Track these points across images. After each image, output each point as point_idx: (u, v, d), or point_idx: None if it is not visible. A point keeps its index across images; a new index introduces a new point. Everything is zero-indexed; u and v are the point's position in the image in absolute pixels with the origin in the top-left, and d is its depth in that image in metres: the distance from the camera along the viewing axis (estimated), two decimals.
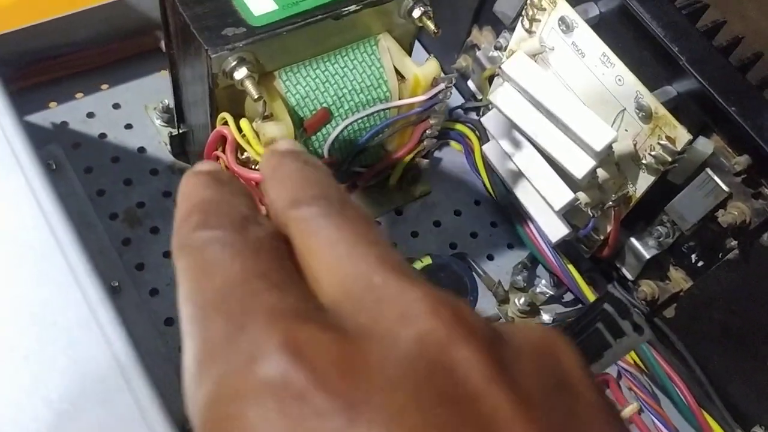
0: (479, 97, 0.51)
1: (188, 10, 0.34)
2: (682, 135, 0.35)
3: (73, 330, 0.23)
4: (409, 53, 0.42)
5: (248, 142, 0.35)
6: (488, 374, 0.12)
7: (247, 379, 0.13)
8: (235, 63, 0.33)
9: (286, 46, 0.35)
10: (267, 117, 0.36)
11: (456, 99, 0.55)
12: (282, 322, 0.13)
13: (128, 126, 0.48)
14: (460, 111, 0.53)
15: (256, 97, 0.33)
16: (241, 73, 0.33)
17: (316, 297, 0.15)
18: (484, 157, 0.48)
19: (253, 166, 0.37)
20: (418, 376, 0.12)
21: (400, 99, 0.40)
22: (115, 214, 0.45)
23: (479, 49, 0.50)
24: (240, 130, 0.36)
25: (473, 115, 0.52)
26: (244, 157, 0.37)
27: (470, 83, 0.51)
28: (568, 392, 0.14)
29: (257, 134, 0.35)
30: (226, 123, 0.36)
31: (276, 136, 0.35)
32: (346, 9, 0.36)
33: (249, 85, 0.33)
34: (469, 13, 0.50)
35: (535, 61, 0.42)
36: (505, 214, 0.49)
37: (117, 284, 0.42)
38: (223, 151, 0.37)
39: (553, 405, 0.13)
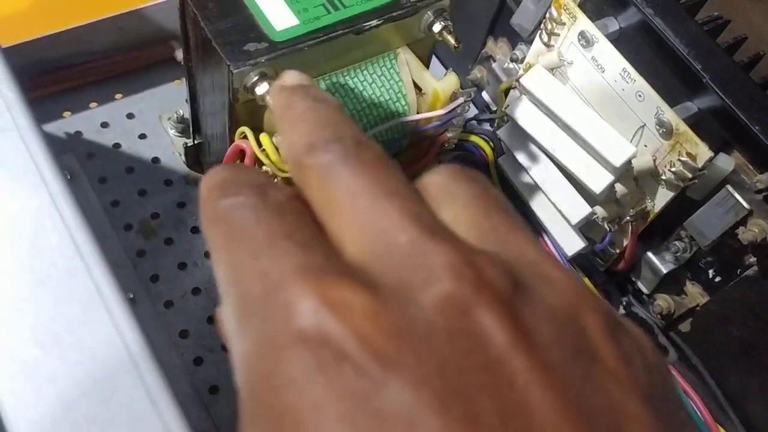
0: (493, 108, 0.51)
1: (210, 24, 0.34)
2: (703, 152, 0.35)
3: (98, 350, 0.23)
4: (427, 66, 0.42)
5: (267, 156, 0.35)
6: (509, 340, 0.13)
7: (285, 334, 0.13)
8: (256, 78, 0.33)
9: (307, 61, 0.35)
10: None
11: (470, 110, 0.55)
12: (313, 279, 0.13)
13: (142, 136, 0.48)
14: (474, 122, 0.53)
15: None
16: (262, 88, 0.33)
17: (341, 254, 0.15)
18: (499, 170, 0.48)
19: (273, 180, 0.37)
20: (442, 340, 0.13)
21: (418, 113, 0.40)
22: (130, 225, 0.45)
23: (494, 61, 0.50)
24: (260, 144, 0.35)
25: (487, 126, 0.52)
26: (263, 171, 0.37)
27: (485, 94, 0.51)
28: (589, 358, 0.14)
29: (277, 149, 0.35)
30: (244, 137, 0.36)
31: None
32: (367, 24, 0.35)
33: (270, 101, 0.33)
34: (484, 25, 0.50)
35: (553, 74, 0.42)
36: None
37: (132, 296, 0.41)
38: None
39: (571, 370, 0.13)
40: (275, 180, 0.37)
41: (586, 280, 0.45)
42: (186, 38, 0.37)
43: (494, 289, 0.13)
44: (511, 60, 0.47)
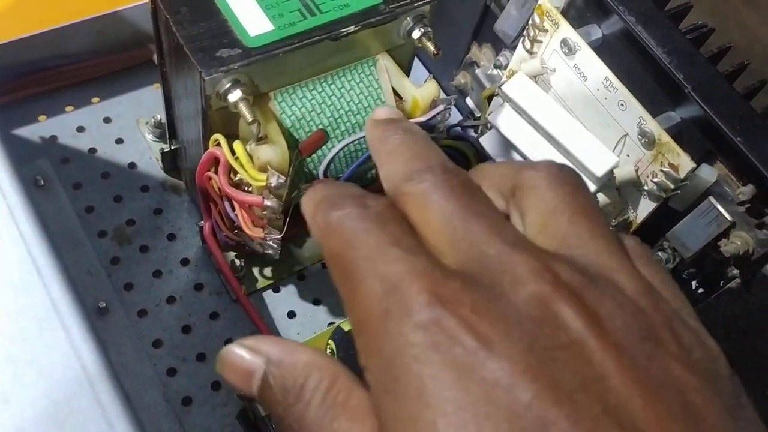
0: (477, 114, 0.50)
1: (182, 29, 0.33)
2: (686, 163, 0.35)
3: (53, 370, 0.22)
4: (408, 72, 0.41)
5: (242, 165, 0.34)
6: (583, 325, 0.16)
7: (407, 325, 0.16)
8: (229, 85, 0.33)
9: (283, 68, 0.34)
10: (261, 139, 0.35)
11: (453, 116, 0.54)
12: (425, 279, 0.16)
13: (119, 141, 0.47)
14: (457, 128, 0.52)
15: (250, 120, 0.32)
16: (235, 95, 0.32)
17: (440, 260, 0.18)
18: None
19: (246, 188, 0.37)
20: (530, 326, 0.16)
21: None
22: (104, 231, 0.44)
23: (478, 67, 0.49)
24: (233, 152, 0.35)
25: (471, 133, 0.51)
26: (237, 178, 0.36)
27: (468, 100, 0.51)
28: (654, 344, 0.16)
29: (251, 157, 0.34)
30: (218, 144, 0.35)
31: (270, 159, 0.34)
32: (344, 30, 0.35)
33: (243, 108, 0.32)
34: (468, 30, 0.49)
35: (536, 82, 0.41)
36: None
37: (104, 305, 0.41)
38: (216, 172, 0.37)
39: (638, 351, 0.16)
40: (249, 188, 0.36)
41: None
42: (159, 42, 0.36)
43: (569, 287, 0.17)
44: (495, 66, 0.47)
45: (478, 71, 0.48)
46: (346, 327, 0.36)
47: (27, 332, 0.23)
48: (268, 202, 0.35)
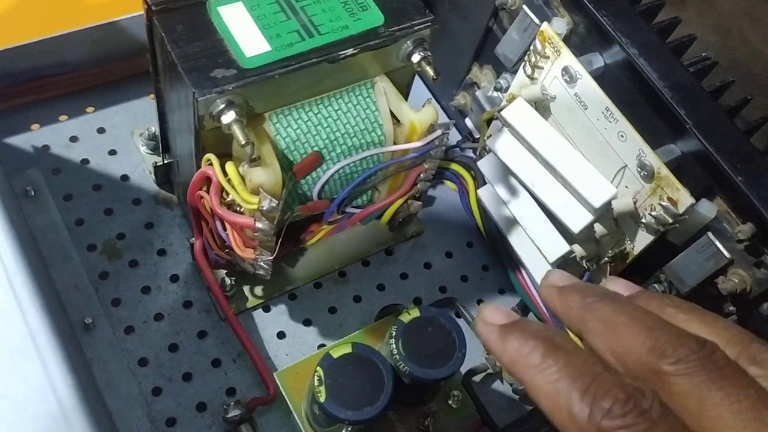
0: (477, 135, 0.50)
1: (177, 48, 0.32)
2: (685, 198, 0.34)
3: (27, 403, 0.22)
4: (406, 95, 0.40)
5: (233, 187, 0.34)
6: None
7: None
8: (223, 106, 0.32)
9: (278, 89, 0.34)
10: (254, 160, 0.34)
11: (453, 136, 0.53)
12: None
13: (112, 152, 0.46)
14: (456, 149, 0.52)
15: (243, 142, 0.32)
16: (228, 117, 0.32)
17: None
18: (478, 200, 0.46)
19: (238, 209, 0.36)
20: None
21: (395, 143, 0.39)
22: (94, 245, 0.43)
23: (479, 88, 0.49)
24: (225, 173, 0.34)
25: (470, 153, 0.50)
26: (229, 198, 0.36)
27: (468, 121, 0.50)
28: None
29: (243, 179, 0.34)
30: (211, 163, 0.35)
31: (263, 182, 0.33)
32: (342, 53, 0.34)
33: (236, 130, 0.32)
34: (470, 50, 0.48)
35: (536, 108, 0.41)
36: (498, 257, 0.48)
37: (90, 321, 0.40)
38: (207, 191, 0.36)
39: None
40: (241, 209, 0.35)
41: None
42: (154, 59, 0.36)
43: None
44: (495, 89, 0.46)
45: (478, 93, 0.48)
46: (335, 353, 0.35)
47: (1, 364, 0.22)
48: (259, 225, 0.35)
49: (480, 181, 0.47)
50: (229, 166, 0.34)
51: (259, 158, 0.34)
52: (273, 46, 0.33)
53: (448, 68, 0.52)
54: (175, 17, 0.33)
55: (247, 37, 0.33)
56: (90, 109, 0.48)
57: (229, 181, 0.34)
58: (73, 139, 0.46)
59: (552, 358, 0.19)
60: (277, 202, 0.33)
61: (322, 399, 0.34)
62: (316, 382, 0.34)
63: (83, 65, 0.46)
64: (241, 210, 0.36)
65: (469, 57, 0.49)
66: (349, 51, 0.34)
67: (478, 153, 0.48)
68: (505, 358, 0.20)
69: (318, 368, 0.35)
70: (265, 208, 0.33)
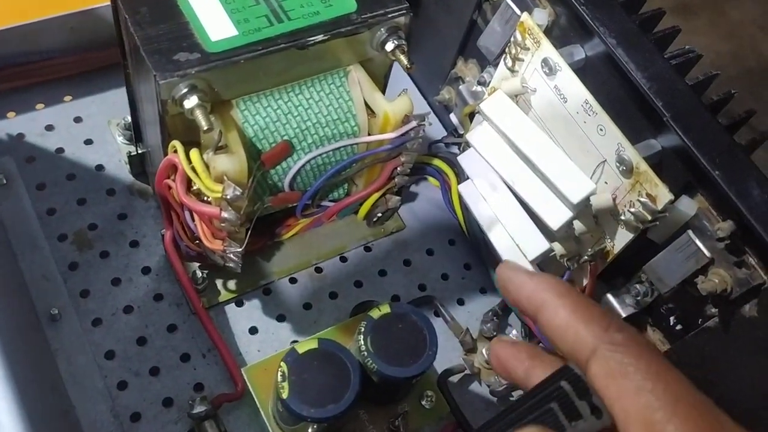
0: (461, 131, 0.49)
1: (140, 30, 0.31)
2: (664, 194, 0.33)
3: None
4: (384, 86, 0.39)
5: (197, 175, 0.33)
6: None
7: None
8: (186, 90, 0.31)
9: (245, 75, 0.33)
10: (220, 148, 0.33)
11: (438, 131, 0.52)
12: None
13: (88, 141, 0.46)
14: (441, 145, 0.51)
15: (205, 128, 0.31)
16: (191, 101, 0.31)
17: None
18: (459, 196, 0.45)
19: (205, 199, 0.35)
20: None
21: (369, 135, 0.38)
22: (65, 235, 0.42)
23: (463, 82, 0.48)
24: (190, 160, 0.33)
25: (455, 150, 0.49)
26: (196, 188, 0.35)
27: (453, 117, 0.49)
28: None
29: (207, 166, 0.33)
30: (176, 150, 0.34)
31: (227, 170, 0.33)
32: (312, 39, 0.33)
33: (199, 115, 0.31)
34: (454, 44, 0.47)
35: (517, 101, 0.40)
36: (480, 256, 0.46)
37: (57, 312, 0.39)
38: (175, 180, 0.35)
39: None
40: (207, 198, 0.35)
41: None
42: (121, 43, 0.35)
43: None
44: (479, 83, 0.45)
45: (462, 87, 0.47)
46: (301, 349, 0.34)
47: None
48: (225, 214, 0.34)
49: (462, 176, 0.46)
50: (193, 153, 0.33)
51: (226, 146, 0.33)
52: (240, 31, 0.33)
53: (433, 63, 0.51)
54: None
55: (214, 21, 0.32)
56: (67, 97, 0.47)
57: (193, 168, 0.33)
58: (49, 127, 0.46)
59: None
60: (241, 190, 0.32)
61: (284, 395, 0.33)
62: (280, 378, 0.33)
63: (61, 53, 0.46)
64: (209, 200, 0.35)
65: (454, 51, 0.48)
66: (319, 37, 0.33)
67: (461, 148, 0.47)
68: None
69: (282, 364, 0.34)
70: (229, 197, 0.32)
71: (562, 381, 0.26)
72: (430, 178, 0.49)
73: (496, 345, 0.27)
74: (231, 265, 0.38)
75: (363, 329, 0.35)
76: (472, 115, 0.45)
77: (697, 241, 0.34)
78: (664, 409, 0.22)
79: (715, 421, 0.22)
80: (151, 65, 0.31)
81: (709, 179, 0.31)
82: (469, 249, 0.47)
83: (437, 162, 0.48)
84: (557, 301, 0.24)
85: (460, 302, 0.46)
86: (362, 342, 0.35)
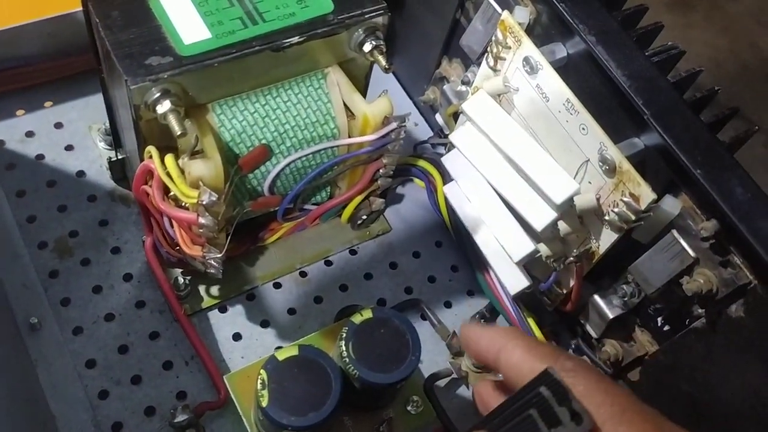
0: (447, 131, 0.48)
1: (111, 35, 0.31)
2: (647, 194, 0.32)
3: None
4: (365, 87, 0.39)
5: (172, 180, 0.32)
6: None
7: None
8: (158, 95, 0.31)
9: (220, 78, 0.32)
10: (196, 153, 0.33)
11: (424, 131, 0.52)
12: None
13: (69, 147, 0.45)
14: (427, 145, 0.50)
15: (178, 133, 0.30)
16: (164, 106, 0.31)
17: None
18: (445, 197, 0.45)
19: (183, 204, 0.35)
20: None
21: (350, 137, 0.37)
22: (45, 242, 0.42)
23: (448, 82, 0.47)
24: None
25: (442, 150, 0.49)
26: (173, 193, 0.34)
27: (438, 117, 0.49)
28: None
29: (182, 171, 0.32)
30: (151, 156, 0.33)
31: (202, 175, 0.32)
32: (287, 41, 0.33)
33: (172, 120, 0.30)
34: (438, 44, 0.47)
35: (500, 101, 0.39)
36: (467, 258, 0.46)
37: (36, 321, 0.39)
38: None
39: None
40: (185, 204, 0.34)
41: (532, 322, 0.42)
42: (95, 48, 0.34)
43: None
44: (462, 82, 0.45)
45: (446, 87, 0.46)
46: (281, 356, 0.34)
47: None
48: (203, 220, 0.33)
49: (448, 177, 0.46)
50: (168, 159, 0.32)
51: (202, 151, 0.33)
52: (214, 34, 0.32)
53: (418, 62, 0.50)
54: (112, 3, 0.32)
55: (187, 24, 0.32)
56: (48, 103, 0.47)
57: (168, 174, 0.33)
58: (29, 134, 0.45)
59: None
60: (217, 196, 0.32)
61: (264, 403, 0.32)
62: (259, 386, 0.33)
63: (40, 59, 0.45)
64: (186, 205, 0.34)
65: (438, 50, 0.47)
66: (295, 39, 0.33)
67: (447, 149, 0.46)
68: None
69: (261, 371, 0.33)
70: (205, 202, 0.32)
71: (542, 387, 0.26)
72: (416, 179, 0.48)
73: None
74: (212, 271, 0.38)
75: (344, 335, 0.35)
76: (456, 116, 0.45)
77: (682, 241, 0.33)
78: (612, 418, 0.24)
79: (658, 427, 0.25)
80: (122, 70, 0.30)
81: (691, 178, 0.31)
82: (456, 250, 0.47)
83: (422, 163, 0.47)
84: (512, 343, 0.28)
85: (447, 305, 0.45)
86: (344, 348, 0.35)
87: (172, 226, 0.36)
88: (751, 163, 0.36)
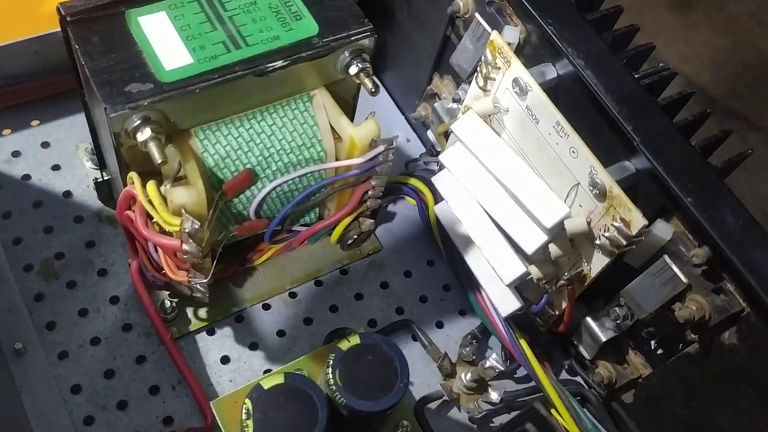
0: (438, 149, 0.48)
1: (91, 61, 0.30)
2: (637, 219, 0.32)
3: None
4: (353, 108, 0.38)
5: (154, 208, 0.32)
6: None
7: None
8: (139, 122, 0.30)
9: (202, 104, 0.32)
10: (179, 179, 0.32)
11: (417, 148, 0.51)
12: None
13: (56, 167, 0.45)
14: (419, 163, 0.49)
15: (159, 161, 0.30)
16: (144, 134, 0.30)
17: None
18: (436, 217, 0.44)
19: (168, 230, 0.34)
20: None
21: (337, 159, 0.37)
22: (30, 265, 0.41)
23: (439, 99, 0.47)
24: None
25: (434, 167, 0.48)
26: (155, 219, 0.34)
27: (430, 134, 0.48)
28: None
29: (165, 198, 0.32)
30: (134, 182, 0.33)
31: (185, 202, 0.31)
32: (270, 65, 0.32)
33: (153, 148, 0.30)
34: (429, 60, 0.46)
35: (490, 121, 0.38)
36: (458, 277, 0.45)
37: (21, 346, 0.38)
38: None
39: None
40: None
41: (524, 343, 0.42)
42: (76, 72, 0.34)
43: None
44: (454, 100, 0.44)
45: (437, 104, 0.46)
46: (266, 384, 0.33)
47: None
48: (186, 247, 0.33)
49: (439, 196, 0.45)
50: (150, 186, 0.32)
51: (185, 177, 0.32)
52: (196, 59, 0.32)
53: (410, 78, 0.50)
54: (91, 28, 0.31)
55: (168, 49, 0.31)
56: (35, 122, 0.46)
57: (149, 201, 0.32)
58: (16, 153, 0.45)
59: None
60: (200, 224, 0.31)
61: None
62: (244, 416, 0.32)
63: (27, 77, 0.45)
64: (169, 232, 0.34)
65: (429, 67, 0.47)
66: (278, 63, 0.32)
67: (438, 167, 0.46)
68: None
69: (246, 400, 0.33)
70: (187, 230, 0.31)
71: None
72: (407, 198, 0.48)
73: None
74: (198, 295, 0.37)
75: (331, 362, 0.34)
76: (447, 134, 0.44)
77: (674, 267, 0.33)
78: None
79: None
80: (102, 97, 0.30)
81: (681, 205, 0.30)
82: (448, 269, 0.46)
83: (413, 181, 0.46)
84: None
85: (439, 325, 0.45)
86: (330, 375, 0.34)
87: (156, 251, 0.36)
88: (751, 163, 0.35)
